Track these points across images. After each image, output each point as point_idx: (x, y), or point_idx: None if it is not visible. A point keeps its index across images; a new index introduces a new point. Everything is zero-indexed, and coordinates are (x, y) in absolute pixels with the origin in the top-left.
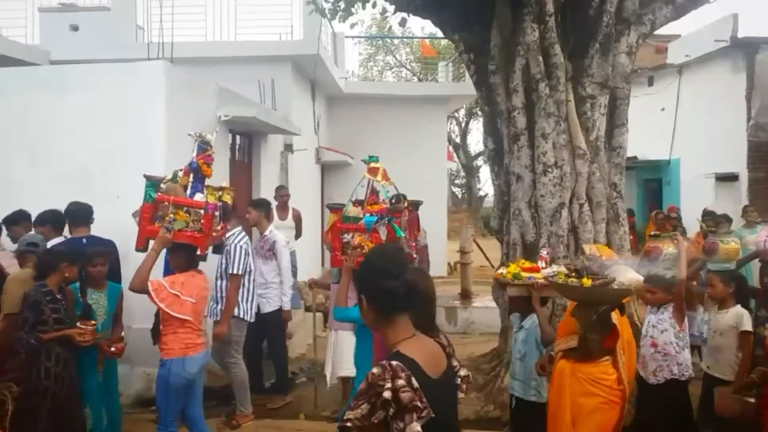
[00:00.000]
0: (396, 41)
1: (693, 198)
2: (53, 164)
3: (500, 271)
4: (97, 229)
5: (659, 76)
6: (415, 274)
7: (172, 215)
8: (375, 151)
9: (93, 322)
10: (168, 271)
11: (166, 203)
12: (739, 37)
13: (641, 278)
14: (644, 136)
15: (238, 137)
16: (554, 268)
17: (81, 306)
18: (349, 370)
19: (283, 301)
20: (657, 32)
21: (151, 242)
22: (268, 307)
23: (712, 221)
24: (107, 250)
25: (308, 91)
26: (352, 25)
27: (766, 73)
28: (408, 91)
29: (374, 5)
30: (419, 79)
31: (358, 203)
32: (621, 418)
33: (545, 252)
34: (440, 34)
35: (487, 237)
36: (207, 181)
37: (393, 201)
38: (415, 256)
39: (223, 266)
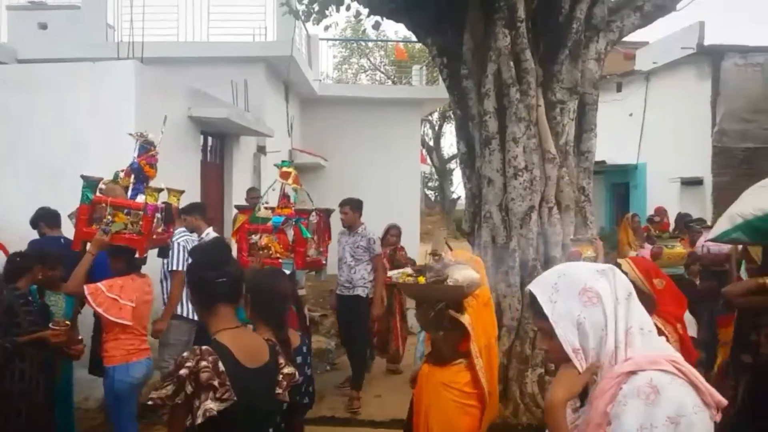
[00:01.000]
0: (370, 44)
1: (659, 202)
2: (22, 164)
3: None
4: (67, 230)
5: (627, 82)
6: (263, 273)
7: (109, 217)
8: (349, 153)
9: (67, 322)
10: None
11: (104, 204)
12: (705, 44)
13: (477, 276)
14: (613, 140)
15: (209, 138)
16: (400, 270)
17: (39, 307)
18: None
19: None
20: (626, 39)
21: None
22: None
23: (700, 226)
24: (64, 252)
25: (282, 92)
26: (326, 28)
27: (731, 79)
28: (382, 94)
29: (348, 8)
30: (393, 82)
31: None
32: (481, 421)
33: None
34: (414, 37)
35: (459, 239)
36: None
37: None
38: (324, 262)
39: (165, 266)
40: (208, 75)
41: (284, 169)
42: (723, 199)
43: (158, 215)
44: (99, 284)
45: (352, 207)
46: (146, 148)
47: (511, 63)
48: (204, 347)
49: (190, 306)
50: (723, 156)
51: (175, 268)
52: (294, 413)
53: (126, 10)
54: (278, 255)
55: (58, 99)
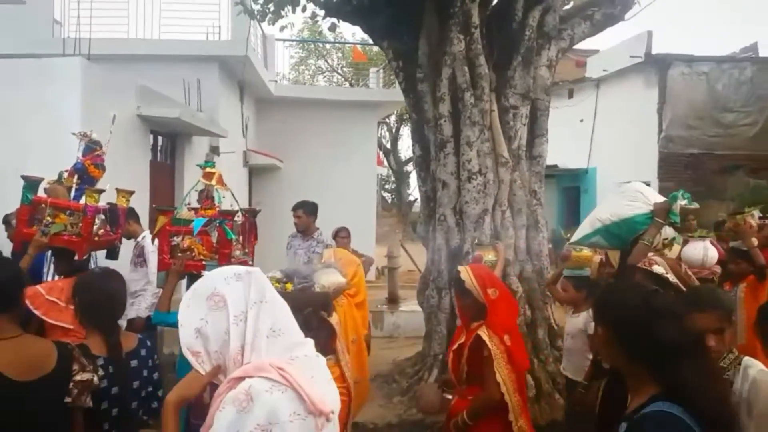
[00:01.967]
0: (328, 46)
1: None
2: None
3: (272, 275)
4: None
5: (579, 89)
6: (92, 275)
7: (49, 218)
8: (305, 154)
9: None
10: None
11: (43, 205)
12: (653, 53)
13: (342, 280)
14: (565, 145)
15: (159, 138)
16: (270, 273)
17: None
18: None
19: (140, 307)
20: (577, 47)
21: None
22: (132, 314)
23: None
24: None
25: (236, 93)
26: (282, 28)
27: (677, 88)
28: (339, 95)
29: (304, 9)
30: (351, 85)
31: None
32: (348, 412)
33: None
34: (371, 40)
35: (416, 242)
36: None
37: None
38: (250, 263)
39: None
40: (160, 74)
41: (207, 169)
42: None
43: (101, 216)
44: (38, 287)
45: (306, 210)
46: (91, 148)
47: (466, 68)
48: None
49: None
50: (668, 161)
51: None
52: (128, 420)
53: (74, 5)
54: (202, 257)
55: (0, 97)
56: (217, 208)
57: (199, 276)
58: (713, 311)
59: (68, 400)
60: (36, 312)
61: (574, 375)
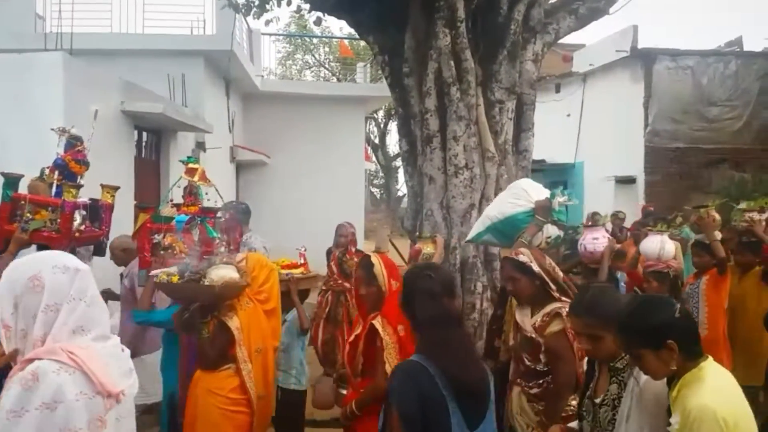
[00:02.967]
0: (315, 40)
1: (595, 199)
2: None
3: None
4: None
5: (565, 83)
6: None
7: (29, 214)
8: (293, 150)
9: None
10: None
11: (23, 202)
12: (639, 47)
13: (235, 276)
14: (552, 140)
15: (144, 134)
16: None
17: None
18: (155, 396)
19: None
20: (564, 41)
21: None
22: None
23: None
24: None
25: (222, 87)
26: (267, 22)
27: (663, 82)
28: (326, 90)
29: (289, 3)
30: (338, 79)
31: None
32: (251, 426)
33: (303, 249)
34: (357, 34)
35: (404, 237)
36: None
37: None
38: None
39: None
40: (143, 69)
41: (190, 165)
42: (654, 196)
43: (82, 212)
44: None
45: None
46: (72, 143)
47: (452, 62)
48: None
49: None
50: (654, 155)
51: None
52: None
53: None
54: (183, 254)
55: None
56: (200, 205)
57: None
58: (584, 318)
59: None
60: None
61: None
